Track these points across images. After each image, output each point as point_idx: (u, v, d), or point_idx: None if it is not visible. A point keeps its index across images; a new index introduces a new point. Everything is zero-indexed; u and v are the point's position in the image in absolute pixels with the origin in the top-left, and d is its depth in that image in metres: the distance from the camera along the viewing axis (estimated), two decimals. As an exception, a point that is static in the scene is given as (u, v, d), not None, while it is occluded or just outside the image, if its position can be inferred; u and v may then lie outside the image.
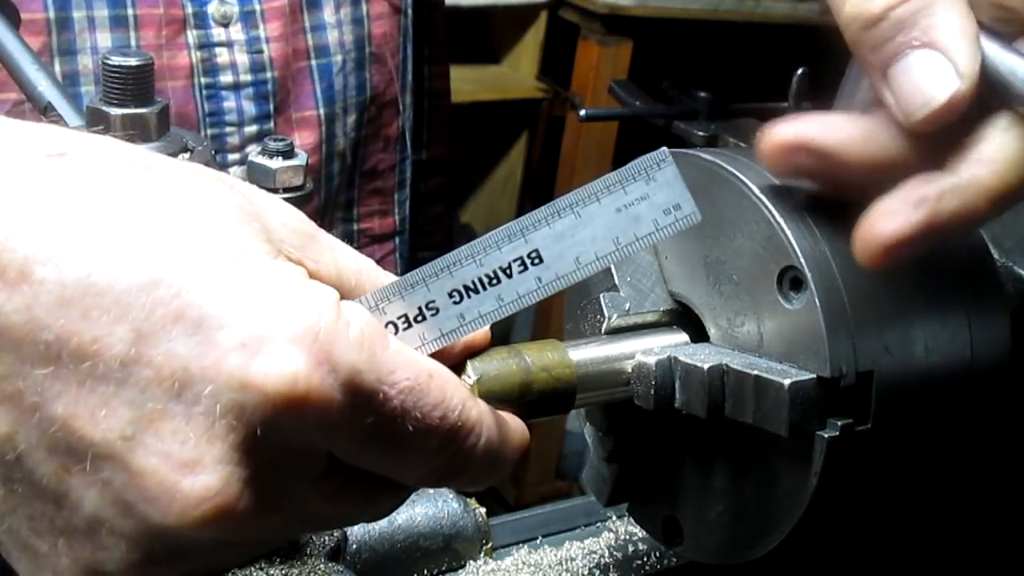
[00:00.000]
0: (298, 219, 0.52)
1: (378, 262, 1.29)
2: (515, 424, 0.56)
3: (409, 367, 0.49)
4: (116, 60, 0.78)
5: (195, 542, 0.45)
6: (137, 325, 0.43)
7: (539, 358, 0.60)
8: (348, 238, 1.30)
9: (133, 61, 0.78)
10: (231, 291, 0.45)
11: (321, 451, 0.47)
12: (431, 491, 0.75)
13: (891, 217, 0.54)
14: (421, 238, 1.41)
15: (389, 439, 0.48)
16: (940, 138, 0.55)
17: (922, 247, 0.55)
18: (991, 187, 0.54)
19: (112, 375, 0.43)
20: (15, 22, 0.77)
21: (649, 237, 0.52)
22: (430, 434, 0.49)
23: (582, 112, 1.20)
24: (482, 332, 0.56)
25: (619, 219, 0.51)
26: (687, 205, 0.51)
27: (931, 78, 0.53)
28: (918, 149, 0.56)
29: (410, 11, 1.30)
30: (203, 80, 1.11)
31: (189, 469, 0.43)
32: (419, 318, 0.52)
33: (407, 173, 1.37)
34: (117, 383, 0.43)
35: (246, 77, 1.13)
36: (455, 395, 0.50)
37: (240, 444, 0.44)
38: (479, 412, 0.52)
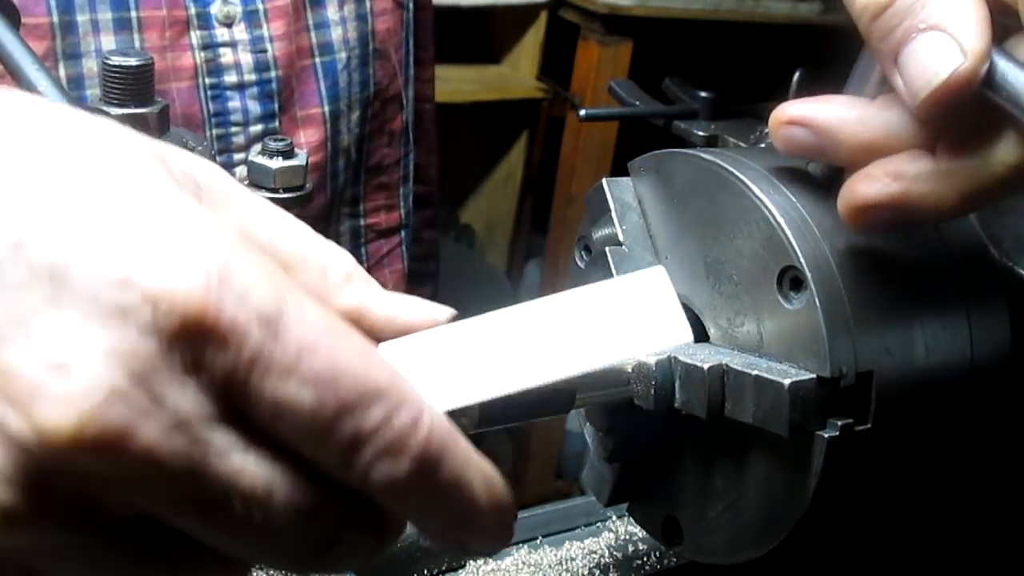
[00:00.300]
0: (213, 173, 0.49)
1: (385, 256, 1.26)
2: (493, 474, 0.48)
3: (323, 312, 0.43)
4: (116, 60, 0.78)
5: (62, 475, 0.40)
6: (16, 225, 0.41)
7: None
8: (355, 233, 1.30)
9: (133, 61, 0.78)
10: (124, 200, 0.42)
11: (213, 380, 0.41)
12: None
13: (869, 182, 0.58)
14: None
15: (298, 378, 0.41)
16: (937, 126, 0.56)
17: (891, 219, 0.58)
18: (964, 181, 0.56)
19: None
20: (15, 22, 0.77)
21: (635, 351, 0.51)
22: (345, 377, 0.42)
23: (582, 112, 1.20)
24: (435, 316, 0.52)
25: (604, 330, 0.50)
26: (678, 324, 0.50)
27: (935, 57, 0.53)
28: (914, 134, 0.57)
29: (411, 4, 1.30)
30: (207, 80, 1.12)
31: (59, 371, 0.39)
32: None
33: (410, 167, 1.37)
34: None
35: (250, 77, 1.13)
36: (381, 360, 0.44)
37: (117, 349, 0.40)
38: (421, 397, 0.45)
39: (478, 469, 0.46)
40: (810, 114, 0.59)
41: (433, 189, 1.48)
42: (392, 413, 0.43)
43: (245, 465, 0.42)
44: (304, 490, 0.44)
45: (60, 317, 0.40)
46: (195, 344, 0.41)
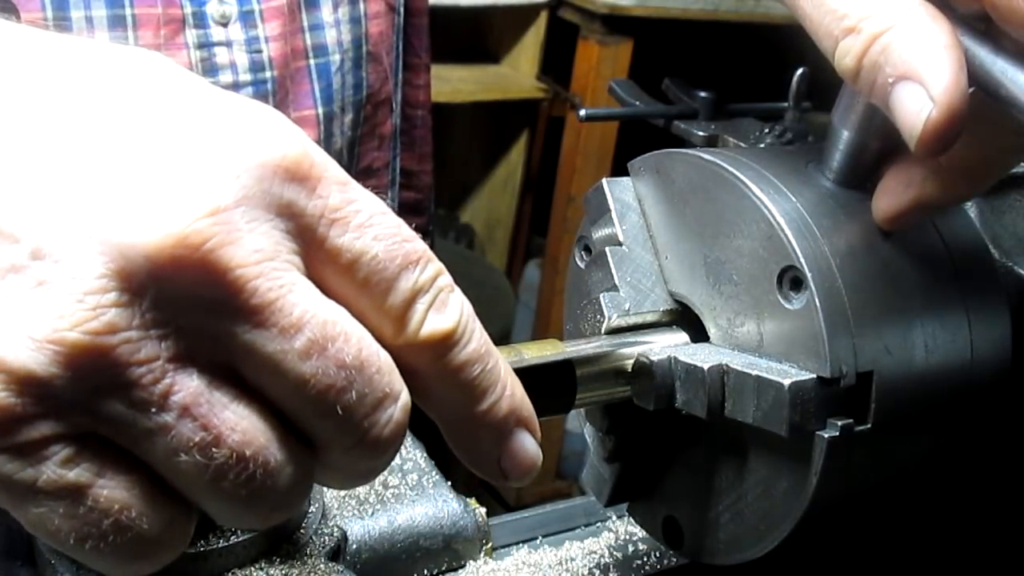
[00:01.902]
0: None
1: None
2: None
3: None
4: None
5: (154, 284, 0.42)
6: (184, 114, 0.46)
7: (539, 358, 0.60)
8: None
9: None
10: (217, 95, 0.47)
11: (299, 226, 0.46)
12: (431, 491, 0.75)
13: (888, 196, 0.63)
14: None
15: (373, 234, 0.47)
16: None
17: (918, 217, 0.63)
18: (966, 170, 0.60)
19: None
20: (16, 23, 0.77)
21: None
22: (408, 239, 0.48)
23: (582, 112, 1.20)
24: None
25: None
26: None
27: (912, 107, 0.54)
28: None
29: (402, 9, 1.29)
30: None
31: (169, 188, 0.43)
32: None
33: (397, 171, 1.37)
34: None
35: (246, 77, 1.13)
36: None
37: (222, 177, 0.44)
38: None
39: (498, 352, 0.52)
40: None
41: (426, 196, 1.47)
42: (439, 272, 0.49)
43: (319, 306, 0.45)
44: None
45: (181, 157, 0.44)
46: (292, 184, 0.45)
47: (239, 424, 0.44)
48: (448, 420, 0.52)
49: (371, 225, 0.47)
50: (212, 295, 0.43)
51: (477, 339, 0.50)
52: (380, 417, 0.47)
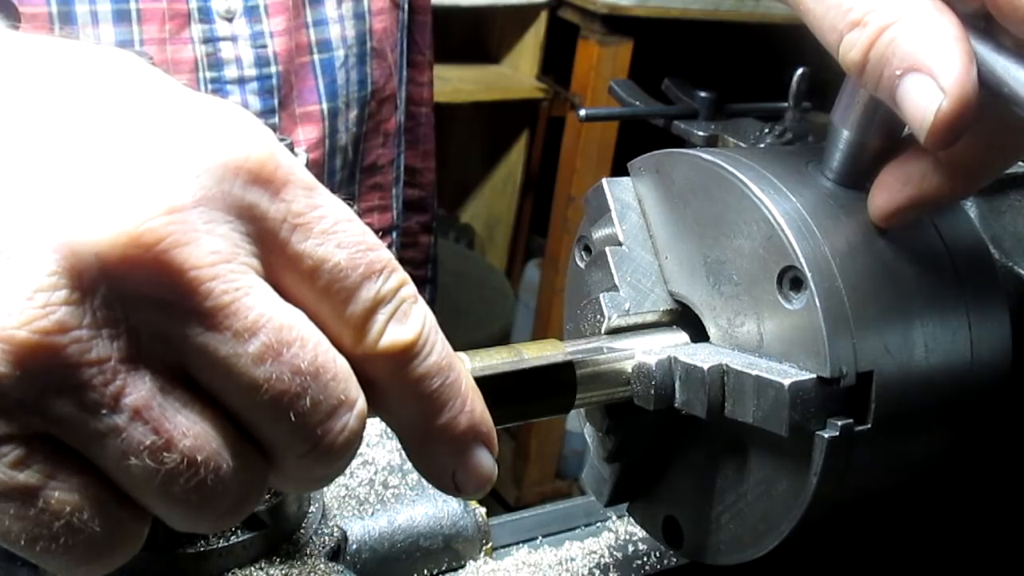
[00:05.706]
0: None
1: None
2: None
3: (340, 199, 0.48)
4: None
5: (106, 281, 0.42)
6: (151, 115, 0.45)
7: (539, 358, 0.60)
8: None
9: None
10: (193, 97, 0.47)
11: (261, 230, 0.45)
12: (431, 490, 0.75)
13: (885, 192, 0.62)
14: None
15: (336, 241, 0.46)
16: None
17: (915, 215, 0.63)
18: (964, 166, 0.60)
19: None
20: (15, 22, 0.77)
21: None
22: (372, 247, 0.47)
23: (582, 112, 1.20)
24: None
25: None
26: None
27: (921, 99, 0.54)
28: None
29: (406, 6, 1.30)
30: (208, 74, 1.12)
31: (124, 187, 0.43)
32: None
33: (402, 168, 1.37)
34: None
35: (251, 72, 1.14)
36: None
37: (183, 177, 0.43)
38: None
39: (460, 365, 0.51)
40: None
41: (429, 194, 1.48)
42: (403, 283, 0.48)
43: (277, 310, 0.45)
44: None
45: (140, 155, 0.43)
46: (254, 186, 0.44)
47: (191, 429, 0.44)
48: (405, 431, 0.51)
49: (335, 232, 0.46)
50: (165, 295, 0.42)
51: (438, 352, 0.49)
52: (334, 425, 0.46)
